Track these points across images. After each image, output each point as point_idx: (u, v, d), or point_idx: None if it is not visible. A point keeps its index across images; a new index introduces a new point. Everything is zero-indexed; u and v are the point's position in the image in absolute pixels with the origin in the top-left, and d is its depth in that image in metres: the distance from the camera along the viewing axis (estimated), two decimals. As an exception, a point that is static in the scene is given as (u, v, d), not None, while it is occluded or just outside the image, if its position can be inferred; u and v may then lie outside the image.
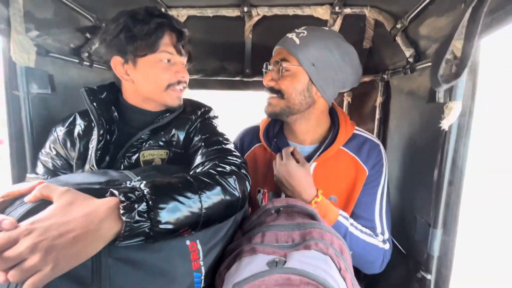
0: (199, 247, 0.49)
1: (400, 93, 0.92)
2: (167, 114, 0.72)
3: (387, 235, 0.73)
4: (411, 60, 0.78)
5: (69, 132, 0.70)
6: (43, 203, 0.38)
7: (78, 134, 0.70)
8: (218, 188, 0.51)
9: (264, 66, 0.79)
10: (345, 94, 1.14)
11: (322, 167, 0.77)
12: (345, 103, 1.15)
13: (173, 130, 0.72)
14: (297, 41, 0.71)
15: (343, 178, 0.74)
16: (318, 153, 0.77)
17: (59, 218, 0.35)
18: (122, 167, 0.69)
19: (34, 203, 0.39)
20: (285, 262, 0.43)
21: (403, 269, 0.80)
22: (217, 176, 0.53)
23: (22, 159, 0.71)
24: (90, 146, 0.69)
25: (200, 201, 0.47)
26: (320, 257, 0.44)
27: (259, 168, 0.86)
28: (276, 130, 0.88)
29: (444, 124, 0.58)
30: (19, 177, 0.72)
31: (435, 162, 0.63)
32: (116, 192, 0.40)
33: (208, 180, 0.51)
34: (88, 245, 0.36)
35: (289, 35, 0.74)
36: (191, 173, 0.62)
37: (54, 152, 0.70)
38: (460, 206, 0.60)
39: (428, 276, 0.65)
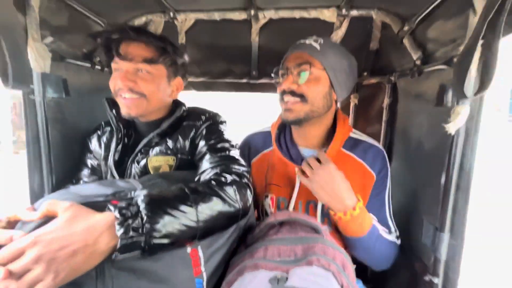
0: (200, 253, 0.51)
1: (407, 96, 0.91)
2: (166, 121, 0.74)
3: (397, 232, 0.80)
4: (418, 62, 0.78)
5: (98, 138, 0.80)
6: (50, 218, 0.41)
7: (104, 139, 0.79)
8: (216, 200, 0.51)
9: (275, 70, 0.80)
10: (351, 96, 1.14)
11: None
12: (351, 105, 1.14)
13: (179, 136, 0.73)
14: (318, 47, 0.74)
15: (351, 182, 0.74)
16: (300, 151, 0.81)
17: (61, 232, 0.38)
18: (132, 171, 0.72)
19: (43, 219, 0.41)
20: (287, 278, 0.43)
21: (410, 272, 0.80)
22: (216, 188, 0.53)
23: (38, 162, 0.74)
24: (111, 149, 0.75)
25: (196, 214, 0.47)
26: (322, 274, 0.45)
27: (269, 174, 0.86)
28: (288, 136, 0.88)
29: (451, 128, 0.58)
30: (35, 179, 0.75)
31: (443, 166, 0.63)
32: (112, 208, 0.42)
33: (206, 191, 0.51)
34: (86, 258, 0.39)
35: (307, 41, 0.76)
36: (196, 179, 0.64)
37: (89, 157, 0.81)
38: (467, 210, 0.59)
39: (436, 280, 0.65)
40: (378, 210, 0.78)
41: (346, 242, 0.77)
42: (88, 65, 0.89)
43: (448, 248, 0.63)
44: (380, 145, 0.82)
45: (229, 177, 0.58)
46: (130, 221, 0.41)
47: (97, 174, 0.79)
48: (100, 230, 0.40)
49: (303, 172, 0.74)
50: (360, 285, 0.85)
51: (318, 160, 0.72)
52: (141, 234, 0.41)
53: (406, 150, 0.90)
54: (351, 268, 0.52)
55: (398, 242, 0.78)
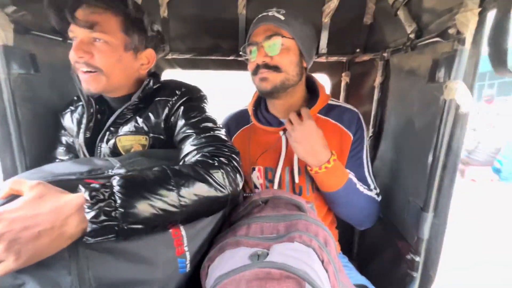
0: (183, 233, 0.49)
1: (399, 73, 0.88)
2: (134, 95, 0.67)
3: (378, 190, 0.82)
4: (412, 36, 0.74)
5: (71, 114, 0.74)
6: (14, 198, 0.38)
7: (76, 115, 0.73)
8: (201, 185, 0.48)
9: (243, 47, 0.80)
10: (343, 74, 1.09)
11: None
12: (343, 83, 1.10)
13: (149, 114, 0.67)
14: (282, 17, 0.73)
15: (329, 143, 0.75)
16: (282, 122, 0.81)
17: (26, 211, 0.35)
18: (101, 151, 0.68)
19: (7, 199, 0.38)
20: (268, 255, 0.43)
21: (393, 250, 0.81)
22: (202, 171, 0.49)
23: (8, 142, 0.70)
24: (82, 125, 0.69)
25: (178, 199, 0.44)
26: (302, 250, 0.44)
27: (252, 146, 0.86)
28: (264, 108, 0.89)
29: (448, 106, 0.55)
30: (7, 161, 0.71)
31: (431, 145, 0.61)
32: (82, 189, 0.39)
33: (190, 174, 0.48)
34: (53, 241, 0.36)
35: (270, 13, 0.75)
36: (180, 163, 0.60)
37: (63, 134, 0.76)
38: (453, 190, 0.59)
39: (417, 258, 0.66)
40: (357, 169, 0.80)
41: (327, 200, 0.81)
42: (59, 38, 0.82)
43: (431, 227, 0.63)
44: (355, 109, 0.85)
45: (217, 160, 0.54)
46: (101, 204, 0.38)
47: (73, 151, 0.75)
48: (68, 212, 0.37)
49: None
50: (346, 261, 0.87)
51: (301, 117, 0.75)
52: (113, 218, 0.39)
53: (396, 130, 0.88)
54: (333, 244, 0.52)
55: (379, 199, 0.80)
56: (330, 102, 0.85)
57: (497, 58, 0.39)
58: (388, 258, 0.85)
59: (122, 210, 0.39)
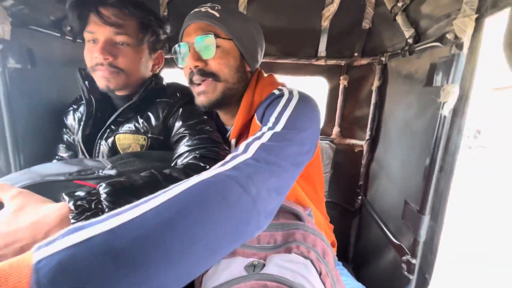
0: None
1: (397, 77, 0.89)
2: (137, 94, 0.67)
3: (271, 129, 0.48)
4: (410, 41, 0.75)
5: (73, 112, 0.75)
6: None
7: (78, 114, 0.74)
8: None
9: (173, 48, 0.65)
10: (341, 78, 1.10)
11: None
12: (341, 87, 1.11)
13: (149, 114, 0.68)
14: (216, 13, 0.61)
15: None
16: (229, 130, 0.69)
17: (6, 227, 0.34)
18: (100, 149, 0.68)
19: None
20: (264, 266, 0.42)
21: (389, 253, 0.81)
22: (193, 175, 0.48)
23: (3, 139, 0.69)
24: (82, 123, 0.69)
25: None
26: (300, 261, 0.43)
27: None
28: (216, 117, 0.77)
29: (445, 110, 0.56)
30: (0, 158, 0.70)
31: (428, 148, 0.62)
32: (66, 199, 0.38)
33: (181, 179, 0.46)
34: None
35: (202, 8, 0.63)
36: (172, 164, 0.60)
37: (64, 132, 0.76)
38: (449, 193, 0.59)
39: (413, 261, 0.66)
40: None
41: None
42: (57, 34, 0.81)
43: (428, 229, 0.63)
44: (284, 93, 0.61)
45: (208, 163, 0.54)
46: (88, 213, 0.37)
47: (73, 149, 0.75)
48: (51, 224, 0.35)
49: None
50: (341, 267, 0.86)
51: None
52: None
53: (393, 133, 0.89)
54: (331, 255, 0.51)
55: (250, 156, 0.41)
56: (276, 92, 0.64)
57: None
58: (384, 261, 0.85)
59: None
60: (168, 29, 0.73)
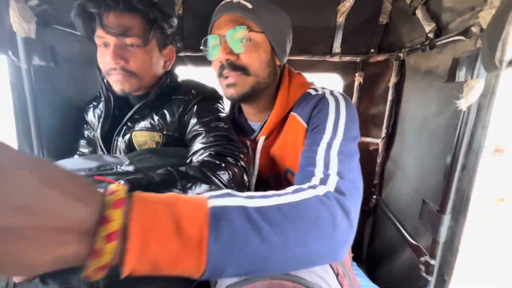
0: None
1: (416, 73, 0.86)
2: (153, 91, 0.69)
3: (334, 178, 0.44)
4: (431, 35, 0.72)
5: (93, 109, 0.76)
6: None
7: (98, 110, 0.76)
8: (207, 187, 0.47)
9: (204, 40, 0.64)
10: (356, 75, 1.08)
11: (272, 140, 0.69)
12: (356, 83, 1.09)
13: (165, 111, 0.68)
14: (248, 4, 0.59)
15: (295, 146, 0.62)
16: (260, 126, 0.69)
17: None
18: (117, 145, 0.69)
19: None
20: None
21: (406, 253, 0.79)
22: (209, 172, 0.49)
23: (27, 132, 0.72)
24: (101, 119, 0.71)
25: None
26: None
27: None
28: (238, 110, 0.78)
29: (462, 104, 0.54)
30: (23, 150, 0.73)
31: (449, 145, 0.59)
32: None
33: (197, 177, 0.47)
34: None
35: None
36: (188, 161, 0.60)
37: (85, 128, 0.78)
38: (472, 192, 0.57)
39: (432, 262, 0.64)
40: (307, 151, 0.54)
41: None
42: (78, 33, 0.84)
43: (448, 230, 0.61)
44: (329, 93, 0.64)
45: (224, 160, 0.54)
46: None
47: (93, 145, 0.77)
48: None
49: None
50: (355, 267, 0.85)
51: None
52: None
53: (410, 130, 0.87)
54: (348, 256, 0.50)
55: (330, 188, 0.42)
56: (310, 91, 0.67)
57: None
58: (400, 261, 0.83)
59: None
60: (174, 22, 0.72)
